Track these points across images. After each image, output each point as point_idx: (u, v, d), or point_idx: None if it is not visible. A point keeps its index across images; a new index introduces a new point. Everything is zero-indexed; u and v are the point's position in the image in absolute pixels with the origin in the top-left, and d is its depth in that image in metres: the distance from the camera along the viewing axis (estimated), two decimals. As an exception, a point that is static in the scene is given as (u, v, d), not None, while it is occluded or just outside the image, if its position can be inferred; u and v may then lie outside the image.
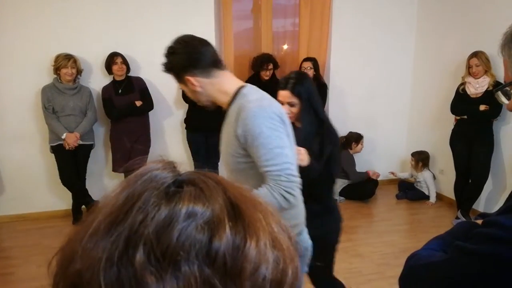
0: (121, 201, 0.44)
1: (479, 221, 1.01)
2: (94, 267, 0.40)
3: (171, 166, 0.49)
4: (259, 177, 1.57)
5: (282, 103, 2.22)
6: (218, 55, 1.71)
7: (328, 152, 2.17)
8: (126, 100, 4.42)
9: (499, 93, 0.98)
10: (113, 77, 4.48)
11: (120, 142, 4.47)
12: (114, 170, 4.53)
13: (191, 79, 1.64)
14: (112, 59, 4.39)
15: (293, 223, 1.73)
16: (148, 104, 4.54)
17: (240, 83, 1.71)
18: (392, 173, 5.55)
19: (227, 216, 0.43)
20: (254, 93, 1.66)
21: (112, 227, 0.42)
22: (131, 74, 4.56)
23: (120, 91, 4.44)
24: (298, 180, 1.56)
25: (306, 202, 1.81)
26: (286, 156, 1.54)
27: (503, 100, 0.98)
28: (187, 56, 1.64)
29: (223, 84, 1.68)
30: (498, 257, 0.81)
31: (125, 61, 4.43)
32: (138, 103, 4.44)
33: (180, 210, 0.42)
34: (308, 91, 2.15)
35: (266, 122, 1.53)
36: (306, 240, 1.82)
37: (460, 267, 0.86)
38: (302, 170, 1.74)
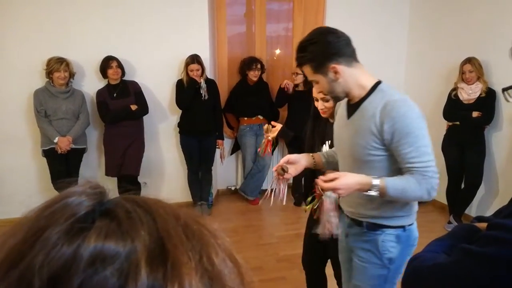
0: (21, 238, 0.36)
1: (479, 224, 1.02)
2: None
3: (94, 191, 0.40)
4: (382, 171, 1.70)
5: (317, 99, 2.27)
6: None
7: None
8: (121, 104, 4.40)
9: (509, 91, 1.00)
10: (108, 81, 4.46)
11: (113, 146, 4.45)
12: (106, 174, 4.50)
13: (338, 67, 1.66)
14: (107, 63, 4.37)
15: (412, 212, 1.84)
16: (143, 108, 4.52)
17: (375, 78, 1.76)
18: None
19: (147, 258, 0.35)
20: (394, 90, 1.73)
21: (6, 272, 0.34)
22: (125, 78, 4.55)
23: (115, 94, 4.42)
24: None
25: None
26: (430, 154, 1.63)
27: (510, 99, 1.00)
28: (332, 44, 1.66)
29: (360, 76, 1.73)
30: (506, 259, 0.81)
31: (120, 65, 4.41)
32: (133, 107, 4.43)
33: (83, 252, 0.34)
34: None
35: (415, 121, 1.62)
36: (415, 230, 1.90)
37: (467, 269, 0.87)
38: None
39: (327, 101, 2.23)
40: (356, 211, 1.88)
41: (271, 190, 1.97)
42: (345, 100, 1.84)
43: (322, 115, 2.30)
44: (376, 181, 1.60)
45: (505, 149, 4.28)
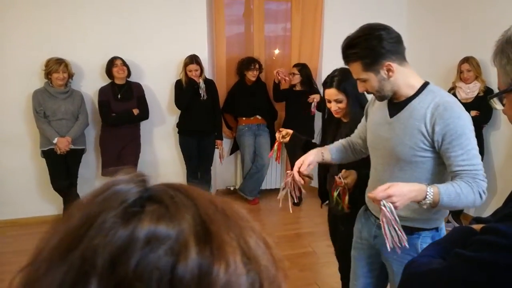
0: (76, 223, 0.39)
1: (475, 226, 1.02)
2: None
3: (139, 179, 0.44)
4: (426, 172, 1.68)
5: (329, 101, 2.28)
6: None
7: None
8: (124, 107, 4.40)
9: (494, 99, 1.00)
10: (113, 80, 4.45)
11: (109, 146, 4.46)
12: (103, 174, 4.52)
13: (392, 65, 1.63)
14: (112, 63, 4.37)
15: (446, 213, 1.86)
16: (144, 113, 4.52)
17: (422, 79, 1.74)
18: None
19: (194, 239, 0.38)
20: (445, 92, 1.72)
21: (65, 253, 0.37)
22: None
23: (119, 96, 4.42)
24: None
25: None
26: (479, 158, 1.63)
27: (497, 106, 1.01)
28: (387, 41, 1.63)
29: (410, 76, 1.71)
30: (498, 265, 0.81)
31: (125, 64, 4.41)
32: (136, 111, 4.43)
33: (139, 233, 0.37)
34: (354, 86, 2.20)
35: (468, 124, 1.62)
36: (444, 228, 1.92)
37: (461, 274, 0.87)
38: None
39: (340, 102, 2.24)
40: None
41: (290, 196, 1.88)
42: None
43: (336, 115, 2.32)
44: (430, 188, 1.52)
45: (503, 148, 4.29)
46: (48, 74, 4.18)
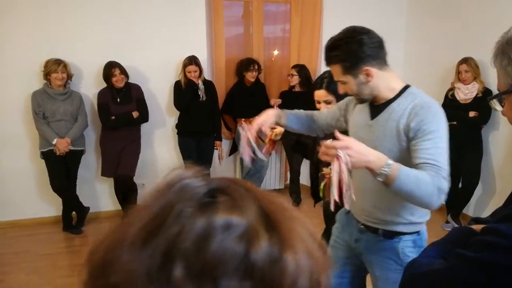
0: (156, 212, 0.43)
1: (474, 226, 1.02)
2: (132, 282, 0.39)
3: (201, 174, 0.48)
4: None
5: (319, 102, 2.30)
6: None
7: None
8: (123, 110, 4.38)
9: (494, 101, 1.01)
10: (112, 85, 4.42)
11: (109, 147, 4.45)
12: (103, 174, 4.53)
13: (370, 70, 1.64)
14: (110, 71, 4.32)
15: (427, 216, 1.81)
16: (144, 115, 4.52)
17: (404, 82, 1.76)
18: None
19: (263, 227, 0.42)
20: (425, 94, 1.74)
21: (148, 239, 0.41)
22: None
23: (118, 99, 4.41)
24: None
25: None
26: (446, 159, 1.57)
27: (497, 107, 1.01)
28: (368, 46, 1.63)
29: (390, 80, 1.72)
30: (498, 265, 0.82)
31: (123, 72, 4.37)
32: (135, 114, 4.42)
33: (216, 222, 0.41)
34: None
35: (443, 124, 1.62)
36: (425, 231, 1.87)
37: (461, 274, 0.87)
38: None
39: (329, 103, 2.25)
40: (372, 216, 1.82)
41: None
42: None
43: None
44: (390, 161, 1.47)
45: (502, 149, 4.30)
46: (47, 74, 4.18)
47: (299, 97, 4.90)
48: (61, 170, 4.30)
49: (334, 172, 1.45)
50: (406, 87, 1.73)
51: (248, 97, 5.00)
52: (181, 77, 4.55)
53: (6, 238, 4.35)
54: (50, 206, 4.64)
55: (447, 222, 4.51)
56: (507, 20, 4.10)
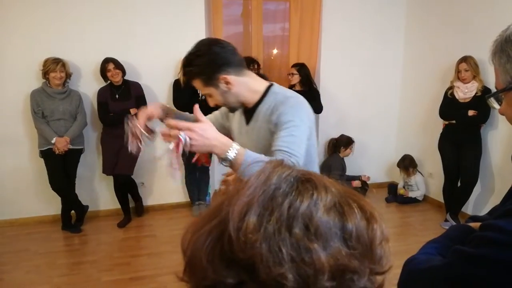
0: (270, 194, 0.51)
1: (472, 224, 1.02)
2: (270, 238, 0.47)
3: (284, 164, 0.56)
4: None
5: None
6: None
7: None
8: (121, 107, 4.38)
9: (492, 99, 1.01)
10: (110, 81, 4.45)
11: (109, 145, 4.46)
12: (103, 172, 4.55)
13: (228, 77, 1.64)
14: (104, 67, 4.36)
15: None
16: None
17: (266, 82, 1.76)
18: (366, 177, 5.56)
19: (353, 205, 0.52)
20: (288, 90, 1.76)
21: (265, 216, 0.49)
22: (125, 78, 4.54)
23: (117, 96, 4.42)
24: None
25: None
26: (300, 149, 1.57)
27: (495, 105, 1.01)
28: (219, 55, 1.63)
29: (252, 82, 1.73)
30: (497, 261, 0.82)
31: (118, 66, 4.38)
32: (133, 111, 4.42)
33: (317, 205, 0.50)
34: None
35: (300, 115, 1.63)
36: None
37: (460, 270, 0.87)
38: None
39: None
40: None
41: None
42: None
43: None
44: (237, 146, 1.48)
45: (501, 148, 4.31)
46: (45, 73, 4.17)
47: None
48: (60, 169, 4.30)
49: (174, 147, 1.46)
50: (270, 87, 1.74)
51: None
52: (180, 76, 4.54)
53: (5, 236, 4.35)
54: (49, 205, 4.64)
55: (446, 220, 4.51)
56: (507, 20, 4.10)
